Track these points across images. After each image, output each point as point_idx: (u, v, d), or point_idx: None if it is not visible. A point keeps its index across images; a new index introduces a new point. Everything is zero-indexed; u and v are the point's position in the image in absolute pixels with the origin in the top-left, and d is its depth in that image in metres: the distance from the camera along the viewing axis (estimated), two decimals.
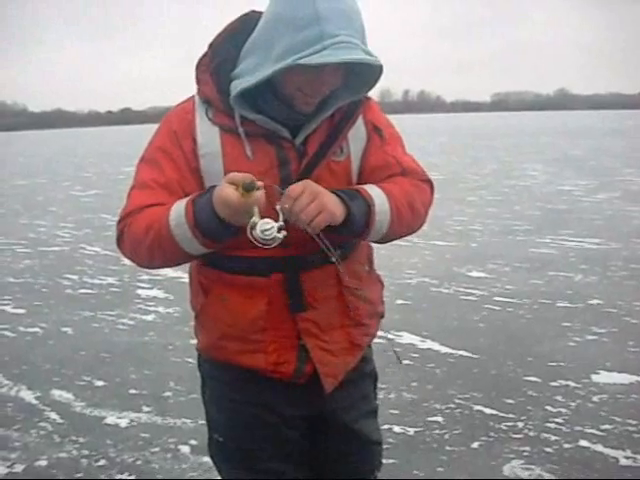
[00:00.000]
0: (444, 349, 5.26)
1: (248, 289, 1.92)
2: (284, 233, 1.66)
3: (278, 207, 1.69)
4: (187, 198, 1.78)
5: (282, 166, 1.86)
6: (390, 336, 1.69)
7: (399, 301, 6.50)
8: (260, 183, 1.63)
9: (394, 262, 7.92)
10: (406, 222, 1.99)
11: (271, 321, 1.94)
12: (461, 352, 5.17)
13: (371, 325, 2.13)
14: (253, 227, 1.63)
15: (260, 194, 1.63)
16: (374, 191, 1.89)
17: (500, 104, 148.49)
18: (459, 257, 8.52)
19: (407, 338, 5.51)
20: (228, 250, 1.86)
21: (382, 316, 2.22)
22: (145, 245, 1.82)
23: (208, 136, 1.87)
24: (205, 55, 1.91)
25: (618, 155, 21.89)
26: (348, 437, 2.17)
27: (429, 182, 2.10)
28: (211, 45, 1.91)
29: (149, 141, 1.97)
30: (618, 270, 7.55)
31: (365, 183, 1.95)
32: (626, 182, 15.25)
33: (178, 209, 1.77)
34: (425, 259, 8.43)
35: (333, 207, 1.74)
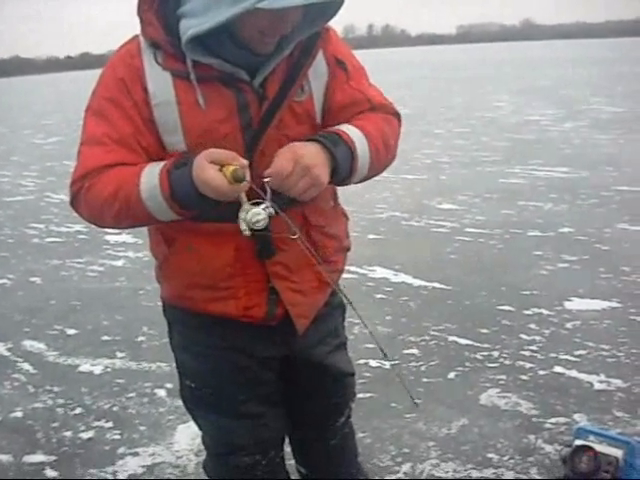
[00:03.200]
0: (417, 282, 5.26)
1: (215, 236, 1.83)
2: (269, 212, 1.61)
3: (266, 181, 1.61)
4: (158, 166, 1.66)
5: (242, 111, 1.74)
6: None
7: (371, 236, 6.49)
8: (247, 172, 1.55)
9: (364, 197, 7.90)
10: (383, 161, 1.91)
11: (240, 267, 1.87)
12: (434, 284, 5.18)
13: (338, 261, 2.08)
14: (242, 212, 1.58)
15: (248, 183, 1.55)
16: (353, 133, 1.78)
17: (465, 36, 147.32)
18: (429, 190, 8.51)
19: (380, 272, 5.51)
20: None
21: (348, 249, 2.16)
22: (111, 213, 1.71)
23: (159, 83, 1.71)
24: None
25: (584, 84, 21.84)
26: (320, 372, 2.17)
27: (397, 115, 2.01)
28: None
29: (94, 89, 1.81)
30: (587, 198, 7.57)
31: (333, 122, 1.85)
32: (593, 110, 15.24)
33: (150, 179, 1.64)
34: (395, 193, 8.40)
35: (324, 175, 1.65)
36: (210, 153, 1.56)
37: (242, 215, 1.59)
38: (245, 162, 1.56)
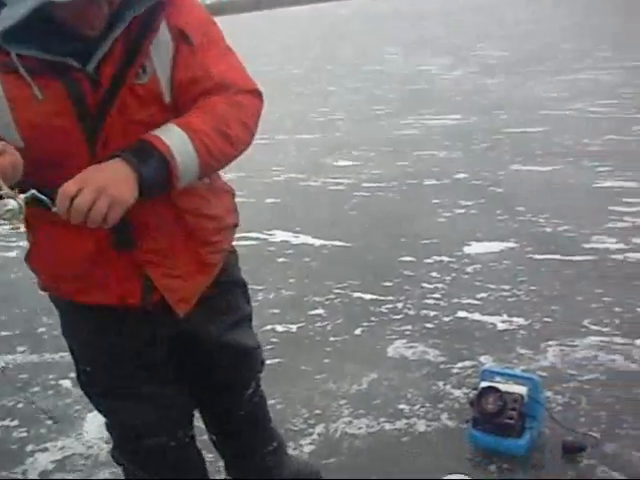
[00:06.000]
0: (318, 242, 5.25)
1: (73, 227, 1.64)
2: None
3: (55, 210, 1.50)
4: None
5: (77, 101, 1.59)
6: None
7: (269, 200, 6.44)
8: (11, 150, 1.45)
9: (258, 162, 7.77)
10: (221, 153, 1.72)
11: (105, 258, 1.77)
12: (335, 242, 5.18)
13: (221, 241, 1.98)
14: None
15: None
16: (173, 133, 1.62)
17: None
18: (324, 148, 8.48)
19: (280, 235, 5.45)
20: (49, 186, 1.57)
21: (236, 225, 2.07)
22: None
23: None
24: None
25: (470, 31, 22.14)
26: (217, 350, 2.11)
27: (254, 92, 1.81)
28: None
29: None
30: (480, 143, 7.71)
31: (179, 101, 1.70)
32: (482, 56, 15.48)
33: None
34: (290, 154, 8.33)
35: (126, 193, 1.52)
36: None
37: None
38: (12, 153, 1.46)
